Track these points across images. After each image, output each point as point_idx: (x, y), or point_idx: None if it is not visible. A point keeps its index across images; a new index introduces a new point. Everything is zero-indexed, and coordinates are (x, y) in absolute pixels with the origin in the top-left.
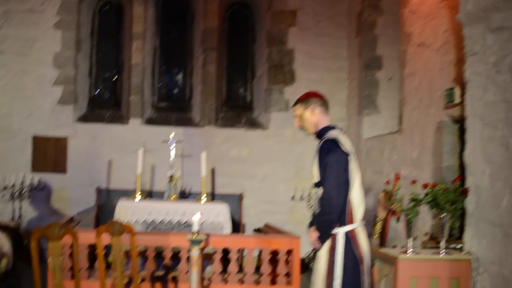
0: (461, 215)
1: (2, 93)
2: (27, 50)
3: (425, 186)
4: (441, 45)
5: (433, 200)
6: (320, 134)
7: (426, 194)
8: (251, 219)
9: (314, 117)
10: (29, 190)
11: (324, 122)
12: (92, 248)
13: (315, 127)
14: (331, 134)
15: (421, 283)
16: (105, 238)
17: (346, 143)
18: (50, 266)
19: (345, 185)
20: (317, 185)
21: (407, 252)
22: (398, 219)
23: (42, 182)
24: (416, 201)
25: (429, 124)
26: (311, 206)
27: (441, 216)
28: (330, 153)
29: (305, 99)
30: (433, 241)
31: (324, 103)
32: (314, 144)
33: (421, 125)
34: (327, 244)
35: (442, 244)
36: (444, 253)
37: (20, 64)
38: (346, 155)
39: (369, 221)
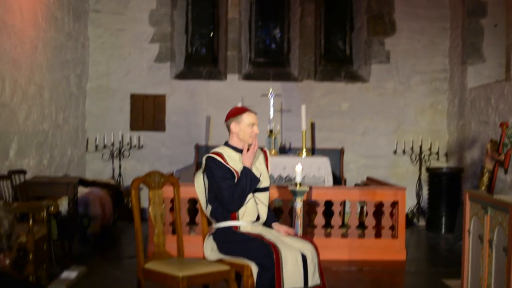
0: None
1: (99, 53)
2: (123, 9)
3: None
4: None
5: None
6: None
7: None
8: (352, 174)
9: None
10: (128, 149)
11: None
12: (192, 204)
13: None
14: None
15: None
16: None
17: None
18: (151, 215)
19: None
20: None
21: None
22: (506, 171)
23: (141, 140)
24: None
25: None
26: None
27: None
28: None
29: None
30: None
31: None
32: (416, 97)
33: None
34: None
35: None
36: None
37: (116, 23)
38: None
39: (476, 172)
